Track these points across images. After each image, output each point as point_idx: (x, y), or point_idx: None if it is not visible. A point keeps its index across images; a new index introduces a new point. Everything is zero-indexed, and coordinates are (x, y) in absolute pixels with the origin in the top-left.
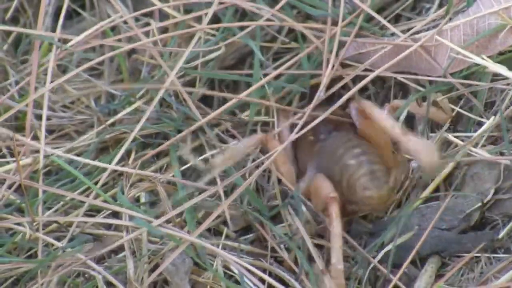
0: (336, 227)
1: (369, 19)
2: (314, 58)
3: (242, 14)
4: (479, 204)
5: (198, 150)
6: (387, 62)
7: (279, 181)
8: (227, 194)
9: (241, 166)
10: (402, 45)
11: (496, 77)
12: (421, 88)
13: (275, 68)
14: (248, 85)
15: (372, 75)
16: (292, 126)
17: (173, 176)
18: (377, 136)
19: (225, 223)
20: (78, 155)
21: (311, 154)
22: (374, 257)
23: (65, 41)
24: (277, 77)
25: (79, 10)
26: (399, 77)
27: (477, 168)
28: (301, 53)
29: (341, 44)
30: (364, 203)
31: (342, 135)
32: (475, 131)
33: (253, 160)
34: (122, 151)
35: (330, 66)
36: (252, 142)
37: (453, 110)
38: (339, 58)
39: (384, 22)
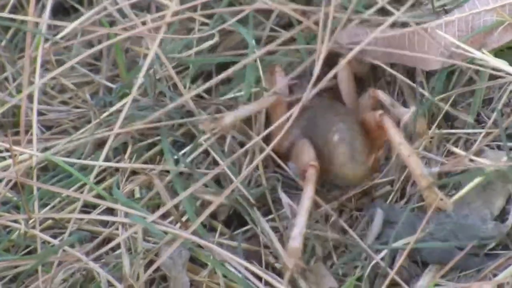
0: (308, 192)
1: (367, 6)
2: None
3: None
4: (495, 238)
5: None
6: (381, 50)
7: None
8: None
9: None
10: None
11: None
12: (411, 83)
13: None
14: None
15: (355, 50)
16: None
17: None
18: (375, 128)
19: (215, 217)
20: (75, 150)
21: (298, 115)
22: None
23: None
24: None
25: (77, 6)
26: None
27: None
28: (296, 35)
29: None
30: (340, 177)
31: (331, 105)
32: (473, 127)
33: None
34: (108, 146)
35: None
36: (265, 104)
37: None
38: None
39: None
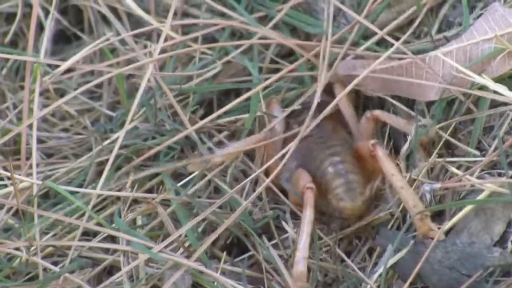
0: (308, 215)
1: (366, 37)
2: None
3: (240, 37)
4: (501, 266)
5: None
6: (377, 83)
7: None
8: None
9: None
10: (393, 60)
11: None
12: (412, 112)
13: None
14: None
15: (360, 77)
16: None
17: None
18: (368, 158)
19: (215, 244)
20: (76, 177)
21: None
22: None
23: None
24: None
25: (79, 34)
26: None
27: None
28: (298, 63)
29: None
30: (337, 211)
31: (326, 135)
32: (474, 156)
33: (243, 171)
34: (104, 175)
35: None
36: (252, 141)
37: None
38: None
39: (382, 33)
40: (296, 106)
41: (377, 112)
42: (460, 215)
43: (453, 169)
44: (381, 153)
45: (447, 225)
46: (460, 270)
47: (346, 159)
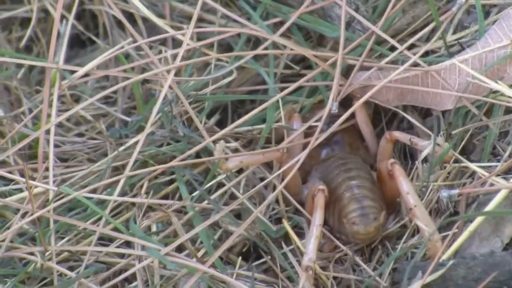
0: (317, 218)
1: (380, 42)
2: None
3: (255, 43)
4: None
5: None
6: (392, 93)
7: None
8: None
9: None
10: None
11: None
12: (426, 130)
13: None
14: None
15: (374, 89)
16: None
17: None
18: (387, 177)
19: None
20: (91, 182)
21: (317, 161)
22: None
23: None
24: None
25: (94, 38)
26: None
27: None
28: (313, 74)
29: (351, 70)
30: (350, 236)
31: (346, 157)
32: (489, 160)
33: (262, 179)
34: (121, 183)
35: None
36: (270, 157)
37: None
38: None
39: (394, 43)
40: (313, 121)
41: (396, 134)
42: (470, 228)
43: (476, 169)
44: (398, 172)
45: (455, 244)
46: (486, 284)
47: (363, 184)
